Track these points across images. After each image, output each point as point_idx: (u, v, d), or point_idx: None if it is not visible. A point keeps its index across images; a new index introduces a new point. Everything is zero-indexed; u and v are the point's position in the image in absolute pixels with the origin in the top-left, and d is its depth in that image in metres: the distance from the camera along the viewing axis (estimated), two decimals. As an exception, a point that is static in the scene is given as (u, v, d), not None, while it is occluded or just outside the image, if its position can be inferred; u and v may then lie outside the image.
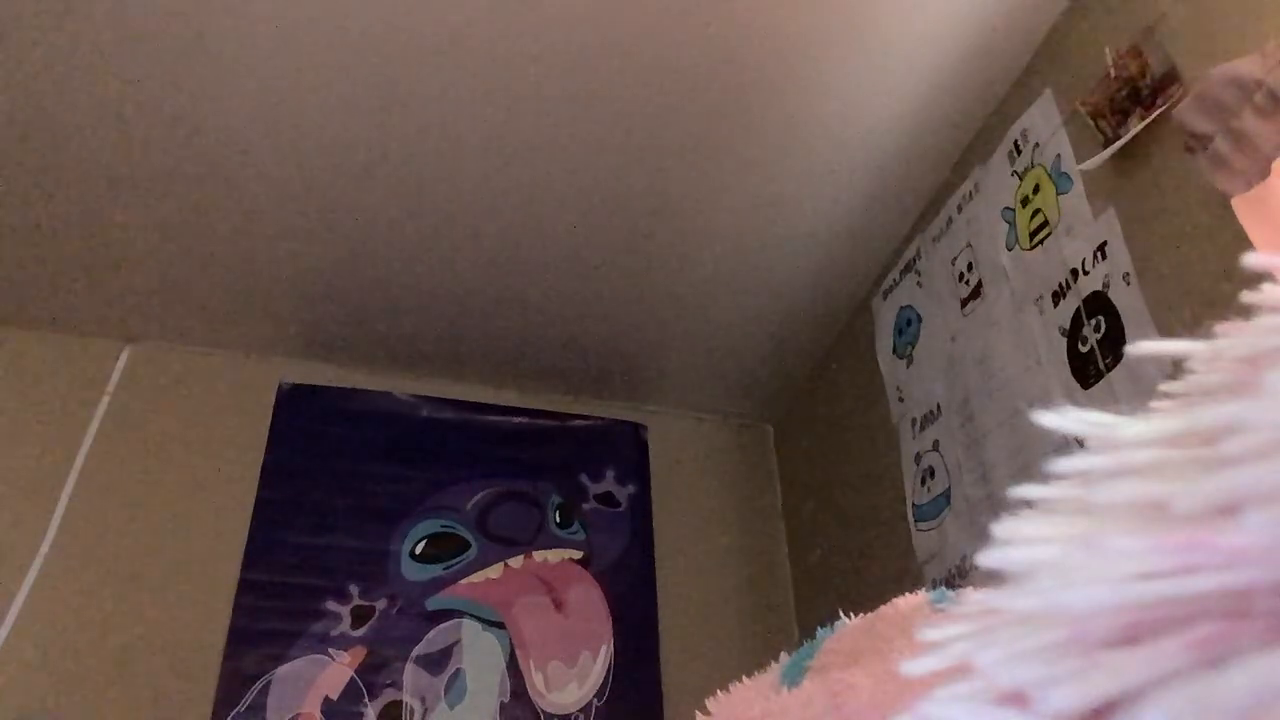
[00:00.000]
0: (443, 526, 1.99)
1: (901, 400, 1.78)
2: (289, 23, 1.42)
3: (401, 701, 1.78)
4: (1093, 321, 1.28)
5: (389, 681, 1.79)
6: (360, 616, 1.84)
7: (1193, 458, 0.14)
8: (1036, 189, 1.44)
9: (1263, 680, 0.11)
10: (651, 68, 1.50)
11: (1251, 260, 0.17)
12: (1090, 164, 1.27)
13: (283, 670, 1.75)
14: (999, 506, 1.41)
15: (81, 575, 1.76)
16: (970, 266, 1.60)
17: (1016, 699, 0.14)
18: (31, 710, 1.63)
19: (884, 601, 0.33)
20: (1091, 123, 1.30)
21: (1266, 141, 0.99)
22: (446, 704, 1.79)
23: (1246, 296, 0.17)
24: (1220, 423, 0.14)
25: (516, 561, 2.00)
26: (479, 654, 1.87)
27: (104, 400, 1.95)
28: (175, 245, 1.82)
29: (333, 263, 1.88)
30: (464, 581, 1.94)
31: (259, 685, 1.73)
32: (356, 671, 1.79)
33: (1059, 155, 1.39)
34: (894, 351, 1.84)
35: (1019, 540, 0.15)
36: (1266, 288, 0.16)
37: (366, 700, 1.76)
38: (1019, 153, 1.50)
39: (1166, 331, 1.14)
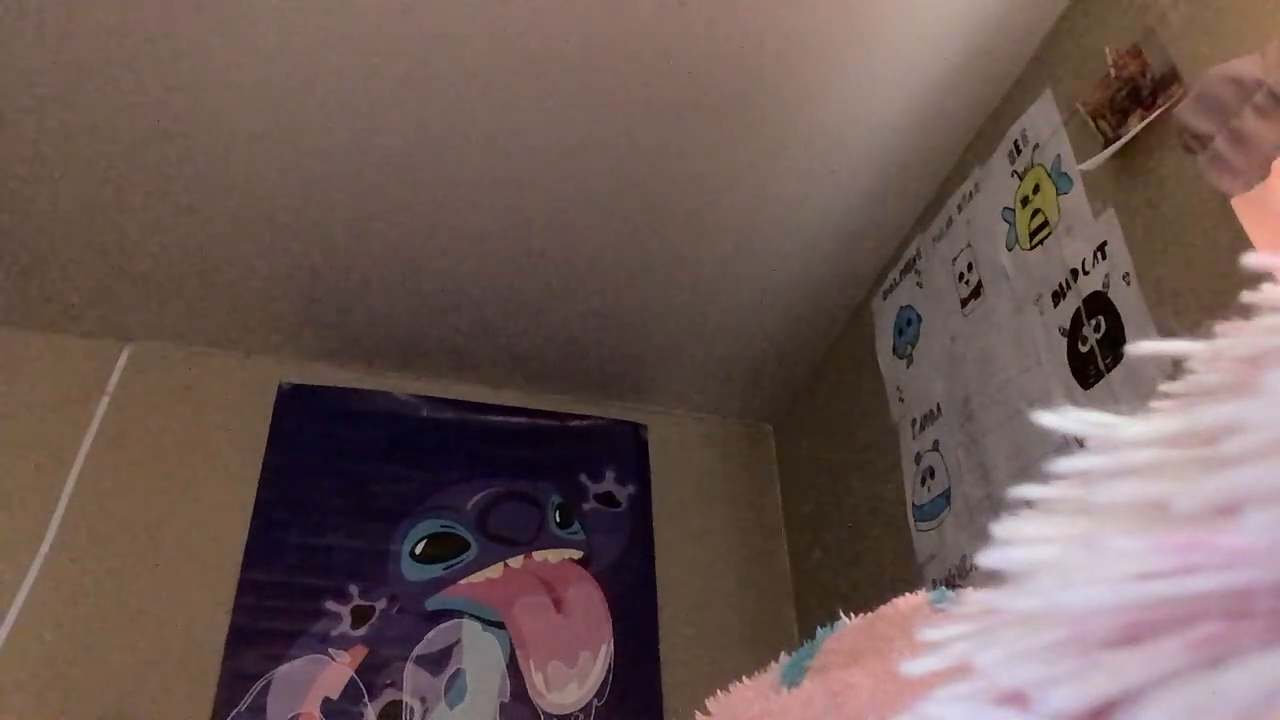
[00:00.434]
0: (443, 526, 1.99)
1: (901, 400, 1.78)
2: (289, 24, 1.42)
3: (401, 701, 1.78)
4: (1093, 321, 1.28)
5: (389, 681, 1.79)
6: (360, 616, 1.84)
7: (1193, 458, 0.14)
8: (1036, 189, 1.44)
9: (1263, 680, 0.11)
10: (651, 68, 1.50)
11: (1251, 260, 0.17)
12: (1090, 164, 1.27)
13: (283, 670, 1.76)
14: (999, 506, 1.41)
15: (81, 575, 1.77)
16: (970, 266, 1.60)
17: (1016, 699, 0.14)
18: (31, 710, 1.63)
19: (884, 601, 0.33)
20: (1091, 123, 1.30)
21: (1266, 141, 0.99)
22: (446, 704, 1.79)
23: (1246, 296, 0.17)
24: (1220, 423, 0.14)
25: (516, 561, 2.00)
26: (479, 654, 1.87)
27: (104, 400, 1.95)
28: (175, 245, 1.82)
29: (332, 263, 1.88)
30: (464, 581, 1.94)
31: (259, 685, 1.73)
32: (356, 671, 1.79)
33: (1059, 155, 1.39)
34: (894, 351, 1.84)
35: (1019, 540, 0.15)
36: (1266, 288, 0.16)
37: (366, 700, 1.76)
38: (1019, 153, 1.50)
39: (1166, 331, 1.14)
